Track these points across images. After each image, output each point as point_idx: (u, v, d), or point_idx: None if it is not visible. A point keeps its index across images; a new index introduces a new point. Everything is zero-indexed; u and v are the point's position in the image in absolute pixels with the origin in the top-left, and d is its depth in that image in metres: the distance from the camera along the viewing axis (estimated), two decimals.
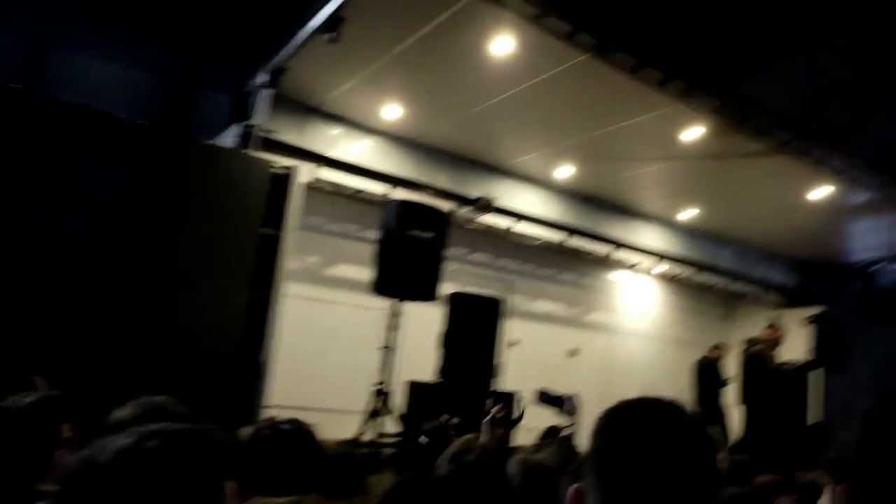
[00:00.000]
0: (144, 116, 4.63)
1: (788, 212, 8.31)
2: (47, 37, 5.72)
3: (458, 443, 2.07)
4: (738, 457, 3.86)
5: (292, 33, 5.28)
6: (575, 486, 1.00)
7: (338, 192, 6.98)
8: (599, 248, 8.88)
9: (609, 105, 5.91)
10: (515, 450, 5.67)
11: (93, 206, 4.19)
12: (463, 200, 7.54)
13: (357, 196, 7.09)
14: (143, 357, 4.10)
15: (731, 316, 11.39)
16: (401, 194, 6.87)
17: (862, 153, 6.79)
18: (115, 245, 4.24)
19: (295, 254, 5.94)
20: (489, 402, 2.80)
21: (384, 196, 6.91)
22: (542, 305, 9.11)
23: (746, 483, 2.87)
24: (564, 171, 7.80)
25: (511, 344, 6.61)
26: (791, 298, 10.80)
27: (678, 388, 7.91)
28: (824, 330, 8.16)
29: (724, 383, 7.88)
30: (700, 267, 9.86)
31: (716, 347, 8.22)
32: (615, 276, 9.86)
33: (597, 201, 8.74)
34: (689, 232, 9.67)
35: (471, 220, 7.72)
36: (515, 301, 8.61)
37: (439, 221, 5.73)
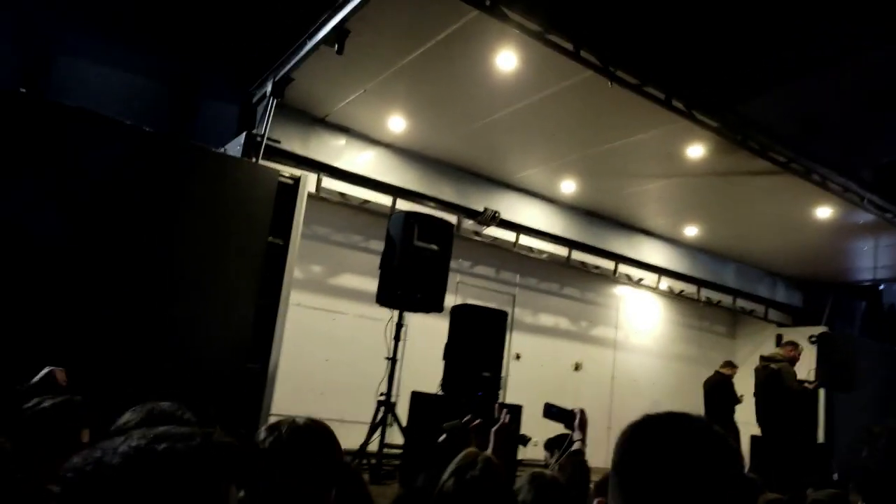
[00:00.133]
0: (149, 124, 4.65)
1: (793, 230, 8.29)
2: (54, 43, 5.76)
3: (460, 457, 2.03)
4: (749, 475, 3.83)
5: (298, 44, 5.31)
6: (598, 500, 1.00)
7: (343, 202, 6.99)
8: (603, 264, 8.87)
9: (613, 121, 5.92)
10: (521, 462, 5.63)
11: (100, 214, 4.20)
12: (468, 213, 7.56)
13: (362, 207, 7.11)
14: (149, 365, 4.09)
15: (734, 334, 11.35)
16: (405, 206, 6.90)
17: (862, 175, 6.81)
18: (121, 253, 4.24)
19: (300, 263, 5.94)
20: (497, 406, 2.76)
21: (389, 207, 6.94)
22: (546, 319, 9.08)
23: (753, 502, 2.84)
24: (568, 186, 7.81)
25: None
26: (795, 317, 10.77)
27: (681, 404, 7.85)
28: (829, 349, 8.14)
29: (737, 400, 7.83)
30: (704, 284, 9.84)
31: (728, 364, 8.18)
32: (619, 292, 9.84)
33: (601, 216, 8.74)
34: (692, 248, 9.66)
35: (476, 233, 7.73)
36: (519, 314, 8.61)
37: (445, 233, 5.73)
